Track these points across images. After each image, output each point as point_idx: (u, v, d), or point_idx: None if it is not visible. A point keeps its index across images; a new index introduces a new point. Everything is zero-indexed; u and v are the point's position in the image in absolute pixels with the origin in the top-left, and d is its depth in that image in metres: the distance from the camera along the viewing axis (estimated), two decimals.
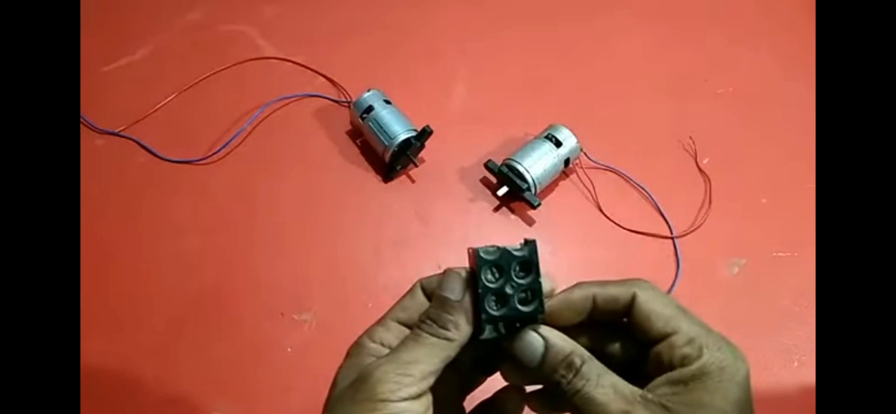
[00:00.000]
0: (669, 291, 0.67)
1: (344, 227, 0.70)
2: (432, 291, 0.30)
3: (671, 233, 0.72)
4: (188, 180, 0.73)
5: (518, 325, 0.28)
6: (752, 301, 0.68)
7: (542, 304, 0.29)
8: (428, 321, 0.28)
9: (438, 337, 0.27)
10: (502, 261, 0.28)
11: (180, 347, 0.61)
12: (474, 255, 0.28)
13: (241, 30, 0.88)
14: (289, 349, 0.61)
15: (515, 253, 0.28)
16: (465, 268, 0.29)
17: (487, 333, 0.28)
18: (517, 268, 0.28)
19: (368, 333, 0.30)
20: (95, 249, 0.64)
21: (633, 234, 0.72)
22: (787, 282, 0.69)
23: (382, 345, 0.29)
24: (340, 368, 0.29)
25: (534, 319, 0.28)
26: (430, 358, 0.27)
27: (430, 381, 0.27)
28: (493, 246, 0.28)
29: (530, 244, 0.29)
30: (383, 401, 0.25)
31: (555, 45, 0.91)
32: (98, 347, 0.58)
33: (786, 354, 0.65)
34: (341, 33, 0.89)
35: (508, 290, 0.28)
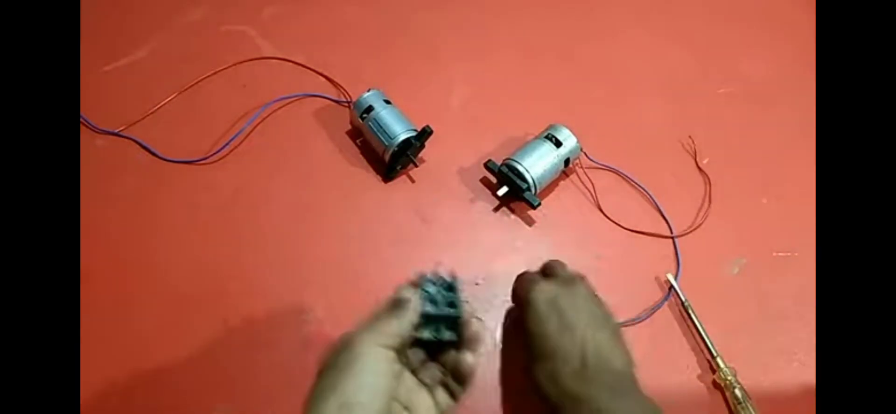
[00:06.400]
0: (669, 291, 0.67)
1: (344, 227, 0.70)
2: None
3: (671, 233, 0.72)
4: (188, 180, 0.73)
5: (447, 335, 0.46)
6: (752, 301, 0.68)
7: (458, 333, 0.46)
8: (391, 307, 0.44)
9: (396, 317, 0.43)
10: (437, 294, 0.46)
11: (180, 347, 0.60)
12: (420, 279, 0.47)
13: (241, 30, 0.88)
14: (289, 349, 0.61)
15: (445, 291, 0.47)
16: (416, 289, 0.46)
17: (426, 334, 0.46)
18: (448, 300, 0.46)
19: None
20: (95, 249, 0.64)
21: (633, 234, 0.72)
22: (787, 282, 0.69)
23: None
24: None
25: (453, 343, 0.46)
26: (390, 325, 0.42)
27: (393, 341, 0.42)
28: (433, 279, 0.48)
29: (457, 281, 0.48)
30: (359, 351, 0.40)
31: (555, 45, 0.91)
32: (98, 346, 0.58)
33: (786, 354, 0.65)
34: (341, 33, 0.89)
35: (438, 313, 0.46)
